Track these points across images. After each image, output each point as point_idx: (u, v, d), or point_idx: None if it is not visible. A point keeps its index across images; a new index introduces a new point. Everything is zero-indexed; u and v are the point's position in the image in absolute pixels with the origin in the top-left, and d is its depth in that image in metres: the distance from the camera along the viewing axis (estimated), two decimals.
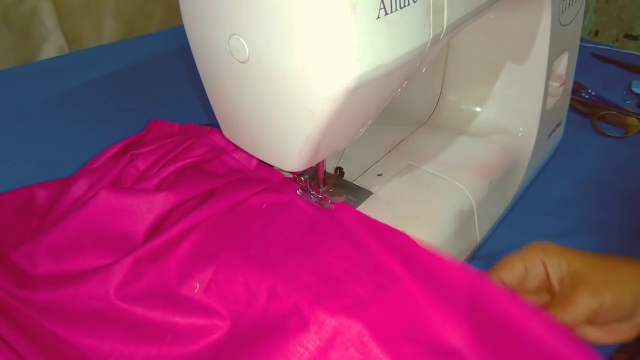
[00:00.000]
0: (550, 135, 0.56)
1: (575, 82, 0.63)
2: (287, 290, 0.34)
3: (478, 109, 0.54)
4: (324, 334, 0.32)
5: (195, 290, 0.36)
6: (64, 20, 0.89)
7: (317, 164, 0.41)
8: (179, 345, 0.34)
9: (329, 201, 0.42)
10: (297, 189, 0.43)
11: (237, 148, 0.45)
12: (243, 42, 0.29)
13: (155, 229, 0.41)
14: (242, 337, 0.34)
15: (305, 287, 0.34)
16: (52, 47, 0.90)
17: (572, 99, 0.63)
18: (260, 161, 0.46)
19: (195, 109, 0.63)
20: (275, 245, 0.38)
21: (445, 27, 0.31)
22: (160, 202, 0.41)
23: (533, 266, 0.34)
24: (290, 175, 0.45)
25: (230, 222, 0.40)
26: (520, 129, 0.52)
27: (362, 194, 0.44)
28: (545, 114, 0.51)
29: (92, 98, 0.73)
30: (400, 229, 0.39)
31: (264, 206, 0.41)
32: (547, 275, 0.34)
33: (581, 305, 0.31)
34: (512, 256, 0.35)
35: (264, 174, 0.46)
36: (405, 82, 0.34)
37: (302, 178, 0.42)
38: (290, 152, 0.34)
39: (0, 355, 0.34)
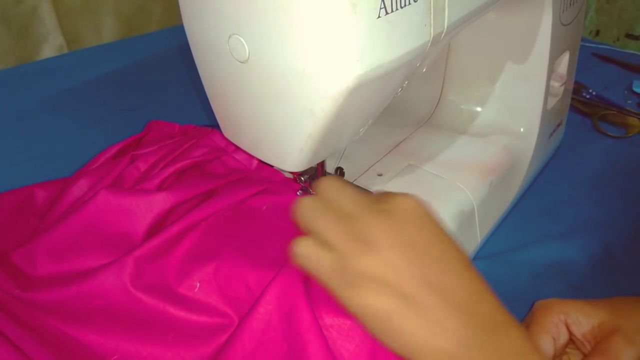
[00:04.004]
0: (551, 135, 0.56)
1: (576, 82, 0.63)
2: (288, 291, 0.34)
3: (479, 109, 0.54)
4: (325, 334, 0.31)
5: (196, 290, 0.36)
6: (63, 19, 0.89)
7: (318, 164, 0.41)
8: (184, 344, 0.34)
9: None
10: (298, 190, 0.43)
11: (238, 148, 0.45)
12: (243, 41, 0.29)
13: (155, 229, 0.41)
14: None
15: (306, 288, 0.34)
16: (51, 46, 0.90)
17: (573, 99, 0.62)
18: (260, 161, 0.46)
19: (195, 109, 0.63)
20: (275, 247, 0.38)
21: (446, 26, 0.31)
22: (159, 202, 0.41)
23: (558, 333, 0.33)
24: (291, 176, 0.44)
25: (230, 223, 0.40)
26: (521, 129, 0.52)
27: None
28: (546, 114, 0.51)
29: (92, 98, 0.73)
30: None
31: (264, 207, 0.41)
32: (571, 334, 0.33)
33: (623, 355, 0.30)
34: (534, 331, 0.34)
35: (264, 174, 0.46)
36: (406, 82, 0.34)
37: (302, 178, 0.42)
38: (290, 152, 0.34)
39: (4, 354, 0.34)
